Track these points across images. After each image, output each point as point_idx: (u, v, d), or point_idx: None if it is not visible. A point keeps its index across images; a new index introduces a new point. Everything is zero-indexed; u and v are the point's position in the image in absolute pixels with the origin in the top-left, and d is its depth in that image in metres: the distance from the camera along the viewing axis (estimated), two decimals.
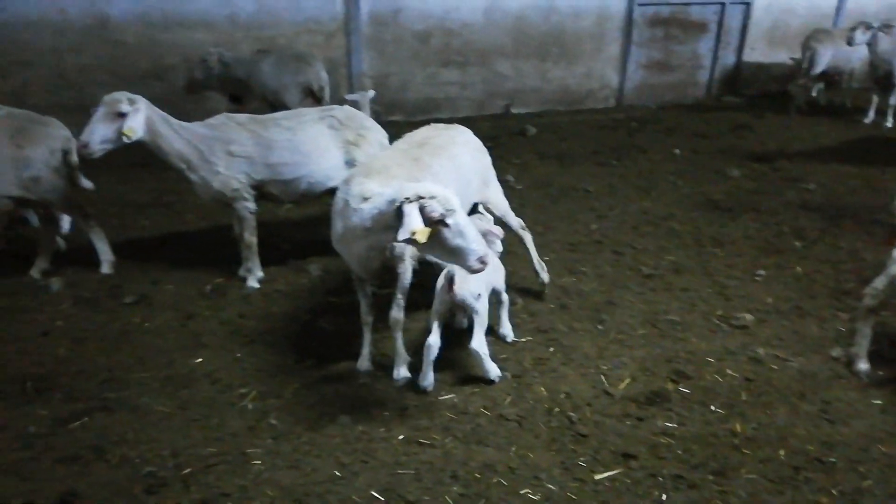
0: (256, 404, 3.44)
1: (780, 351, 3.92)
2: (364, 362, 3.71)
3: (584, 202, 6.33)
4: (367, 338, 3.71)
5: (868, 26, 8.40)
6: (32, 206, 4.78)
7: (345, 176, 3.70)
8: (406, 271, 3.48)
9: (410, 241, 2.78)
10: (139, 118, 4.10)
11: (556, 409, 3.41)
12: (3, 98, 6.80)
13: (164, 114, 4.32)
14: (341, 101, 6.27)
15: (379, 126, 4.90)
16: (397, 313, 3.55)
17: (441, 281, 3.47)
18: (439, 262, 3.41)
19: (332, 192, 4.51)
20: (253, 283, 4.63)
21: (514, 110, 9.69)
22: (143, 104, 4.16)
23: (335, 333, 4.08)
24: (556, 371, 3.74)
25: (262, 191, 4.55)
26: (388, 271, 3.50)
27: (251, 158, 4.39)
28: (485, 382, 3.57)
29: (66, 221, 5.12)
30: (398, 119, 8.99)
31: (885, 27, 8.33)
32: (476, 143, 4.18)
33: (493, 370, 3.57)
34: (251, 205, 4.51)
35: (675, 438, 3.22)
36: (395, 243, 3.20)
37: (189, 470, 2.96)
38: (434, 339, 3.42)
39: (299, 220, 5.78)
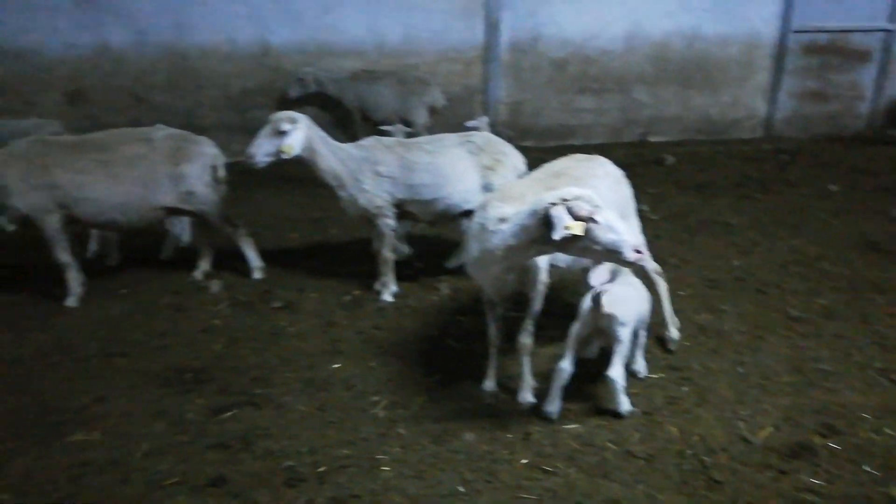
0: (387, 412, 3.59)
1: None
2: (489, 383, 3.76)
3: (725, 237, 6.03)
4: (494, 359, 3.76)
5: None
6: (188, 216, 5.30)
7: (481, 200, 3.81)
8: (539, 296, 3.51)
9: (565, 241, 2.84)
10: (298, 136, 4.46)
11: (689, 452, 3.27)
12: (177, 116, 7.71)
13: (324, 134, 4.67)
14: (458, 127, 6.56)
15: (517, 152, 4.99)
16: (526, 338, 3.57)
17: (587, 301, 3.40)
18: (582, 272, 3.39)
19: (467, 214, 4.68)
20: (387, 296, 4.85)
21: (651, 138, 9.45)
22: (303, 124, 4.51)
23: (462, 352, 4.18)
24: (689, 412, 3.59)
25: (402, 209, 4.78)
26: (519, 296, 3.55)
27: (395, 179, 4.64)
28: (613, 416, 3.49)
29: (186, 233, 5.70)
30: (531, 145, 9.03)
31: None
32: (616, 174, 4.08)
33: (625, 403, 3.47)
34: (392, 222, 4.75)
35: (821, 497, 2.98)
36: (530, 262, 3.28)
37: (324, 468, 3.15)
38: (566, 364, 3.41)
39: (433, 239, 5.99)
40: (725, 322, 4.53)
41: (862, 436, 3.37)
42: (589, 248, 2.93)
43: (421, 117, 7.95)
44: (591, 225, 2.86)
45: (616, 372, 3.36)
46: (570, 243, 2.91)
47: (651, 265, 4.14)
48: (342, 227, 6.28)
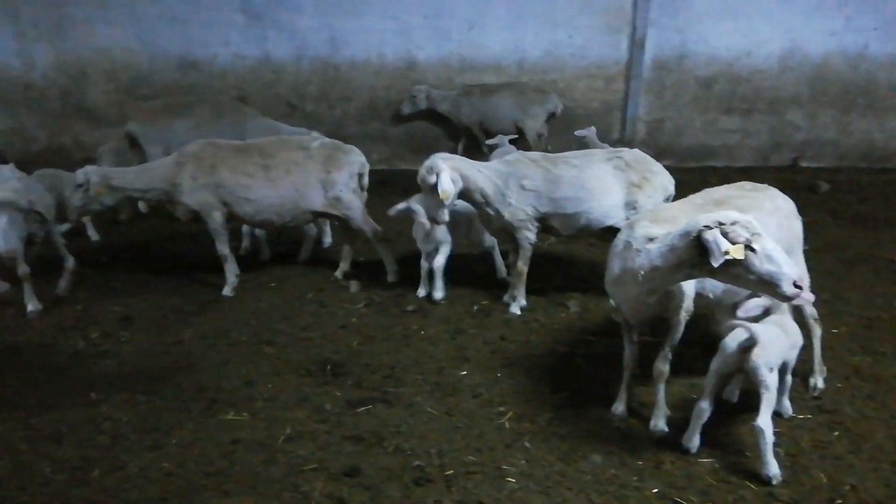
0: (513, 424, 3.62)
1: None
2: (620, 406, 3.68)
3: (887, 273, 5.51)
4: (627, 383, 3.67)
5: None
6: (332, 220, 5.62)
7: (627, 219, 3.74)
8: (680, 323, 3.39)
9: (724, 267, 2.75)
10: (444, 179, 4.41)
11: (839, 501, 3.02)
12: (328, 125, 8.23)
13: (465, 159, 4.77)
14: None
15: (666, 171, 4.86)
16: (663, 365, 3.47)
17: (733, 342, 3.16)
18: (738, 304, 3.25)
19: (608, 230, 4.62)
20: (515, 309, 4.89)
21: (803, 163, 8.82)
22: (441, 165, 4.42)
23: (590, 372, 4.12)
24: (840, 458, 3.32)
25: (544, 223, 4.81)
26: (659, 321, 3.45)
27: (539, 192, 4.67)
28: (759, 481, 3.12)
29: (327, 235, 6.08)
30: (669, 164, 8.70)
31: None
32: (788, 209, 3.79)
33: (773, 466, 3.10)
34: (532, 235, 4.79)
35: None
36: (675, 287, 3.19)
37: (451, 472, 3.23)
38: (706, 404, 3.23)
39: (563, 255, 5.95)
40: (884, 366, 4.14)
41: None
42: (742, 276, 2.80)
43: (536, 125, 8.14)
44: (748, 252, 2.73)
45: (764, 421, 3.05)
46: (721, 270, 2.78)
47: (810, 309, 3.81)
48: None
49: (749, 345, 3.07)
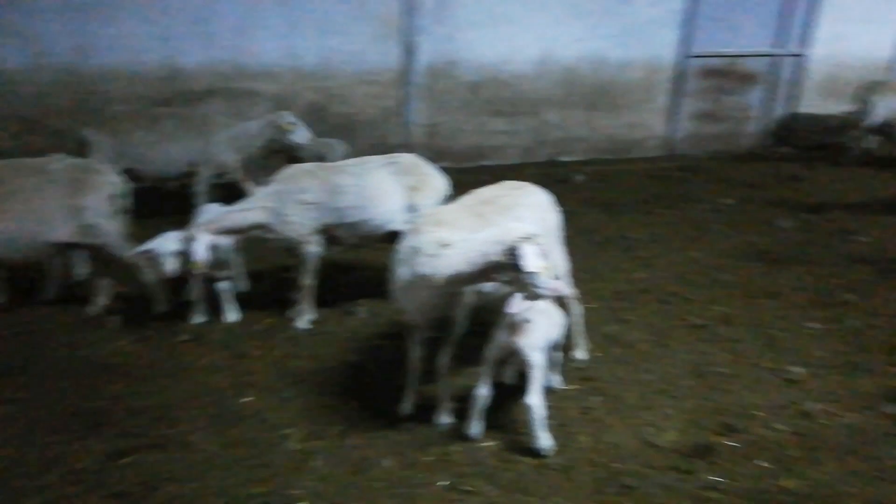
0: (301, 445, 3.52)
1: (831, 406, 3.83)
2: (407, 405, 3.77)
3: (630, 251, 6.32)
4: (413, 382, 3.78)
5: None
6: (85, 250, 4.97)
7: (412, 225, 3.81)
8: (462, 319, 3.56)
9: (528, 275, 2.91)
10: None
11: (601, 460, 3.40)
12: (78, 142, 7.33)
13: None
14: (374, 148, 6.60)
15: (440, 174, 5.06)
16: (446, 358, 3.62)
17: (502, 327, 3.42)
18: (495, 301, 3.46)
19: (391, 234, 4.69)
20: (303, 323, 4.78)
21: (561, 158, 9.81)
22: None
23: (381, 376, 4.17)
24: (601, 421, 3.73)
25: (328, 234, 4.76)
26: (444, 319, 3.57)
27: (320, 204, 4.61)
28: (531, 454, 3.40)
29: (80, 267, 5.28)
30: (447, 165, 9.13)
31: None
32: (546, 203, 4.16)
33: (545, 439, 3.40)
34: (317, 248, 4.71)
35: (721, 493, 3.17)
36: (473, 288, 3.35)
37: None
38: (483, 389, 3.44)
39: (349, 262, 5.95)
40: (632, 332, 4.74)
41: (756, 432, 3.61)
42: (518, 280, 3.00)
43: None
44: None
45: (534, 399, 3.33)
46: (524, 277, 2.95)
47: (570, 292, 4.21)
48: (252, 252, 6.13)
49: (515, 329, 3.33)
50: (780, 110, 10.46)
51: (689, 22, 9.51)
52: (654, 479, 3.26)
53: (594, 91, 9.80)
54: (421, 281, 3.26)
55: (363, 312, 4.99)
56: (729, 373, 4.20)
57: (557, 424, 3.65)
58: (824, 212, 7.29)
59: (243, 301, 5.01)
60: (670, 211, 7.44)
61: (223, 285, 4.83)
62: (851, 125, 9.29)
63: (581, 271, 5.68)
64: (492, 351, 3.44)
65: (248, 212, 4.58)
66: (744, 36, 9.97)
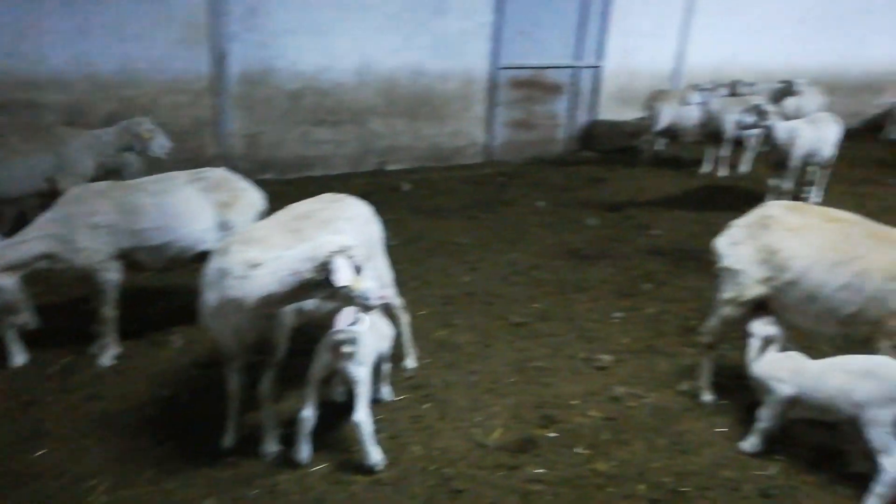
0: (107, 497, 3.16)
1: (636, 388, 4.20)
2: (229, 438, 3.54)
3: (456, 255, 6.51)
4: (234, 412, 3.55)
5: (699, 88, 9.50)
6: None
7: (219, 244, 3.56)
8: (283, 341, 3.40)
9: (343, 290, 2.81)
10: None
11: (432, 468, 3.43)
12: None
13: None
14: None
15: (254, 188, 4.81)
16: (268, 384, 3.44)
17: (324, 346, 3.32)
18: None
19: (205, 255, 4.37)
20: (106, 360, 4.31)
21: (388, 167, 9.89)
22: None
23: (199, 409, 3.88)
24: (431, 428, 3.77)
25: (129, 259, 4.31)
26: (262, 343, 3.38)
27: (115, 226, 4.16)
28: (363, 471, 3.35)
29: None
30: (271, 177, 8.89)
31: (713, 89, 9.53)
32: (365, 215, 4.06)
33: (375, 454, 3.35)
34: (115, 275, 4.25)
35: (545, 484, 3.33)
36: (287, 308, 3.19)
37: None
38: (309, 413, 3.31)
39: (159, 287, 5.49)
40: (459, 335, 4.87)
41: (573, 421, 3.86)
42: (349, 296, 2.91)
43: None
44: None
45: (361, 414, 3.27)
46: (340, 292, 2.85)
47: (396, 301, 4.24)
48: (45, 283, 5.45)
49: (336, 346, 3.25)
50: (583, 118, 11.41)
51: (498, 35, 10.05)
52: (482, 479, 3.35)
53: (415, 100, 10.00)
54: (231, 305, 3.07)
55: (177, 341, 4.62)
56: (547, 366, 4.46)
57: (389, 436, 3.64)
58: (624, 209, 8.06)
59: (33, 340, 4.40)
60: (492, 215, 7.80)
61: (4, 325, 4.20)
62: (643, 130, 10.38)
63: (410, 279, 5.79)
64: (315, 371, 3.33)
65: (27, 243, 4.02)
66: (548, 49, 10.74)
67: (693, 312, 5.23)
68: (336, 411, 3.77)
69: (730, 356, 4.45)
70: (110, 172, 6.24)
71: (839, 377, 3.21)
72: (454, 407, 3.98)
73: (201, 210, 4.46)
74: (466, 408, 3.97)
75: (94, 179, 5.77)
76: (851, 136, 11.92)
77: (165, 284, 5.50)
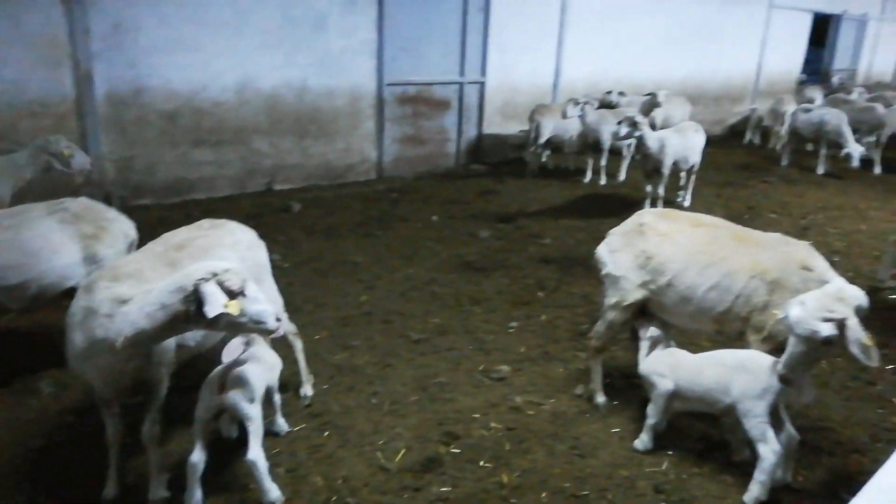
0: None
1: (534, 396, 4.29)
2: (111, 489, 3.26)
3: (352, 275, 6.41)
4: (115, 460, 3.27)
5: (576, 102, 9.97)
6: None
7: (84, 281, 3.28)
8: (163, 381, 3.17)
9: (220, 319, 2.64)
10: None
11: (334, 498, 3.32)
12: None
13: None
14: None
15: (123, 216, 4.49)
16: (153, 428, 3.20)
17: (208, 383, 3.13)
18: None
19: (72, 293, 4.02)
20: None
21: (276, 187, 9.61)
22: None
23: (77, 458, 3.56)
24: (332, 456, 3.66)
25: None
26: (140, 384, 3.14)
27: None
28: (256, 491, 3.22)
29: None
30: (149, 202, 8.40)
31: (588, 102, 10.05)
32: (248, 241, 3.86)
33: (273, 492, 3.18)
34: None
35: (449, 502, 3.31)
36: (155, 347, 2.97)
37: None
38: (198, 456, 3.09)
39: (27, 330, 5.01)
40: (358, 357, 4.78)
41: (476, 434, 3.88)
42: (235, 323, 2.75)
43: None
44: (241, 298, 2.72)
45: (254, 453, 3.09)
46: (216, 321, 2.68)
47: (289, 327, 4.09)
48: None
49: (221, 383, 3.08)
50: (472, 132, 11.66)
51: (381, 52, 10.08)
52: None
53: (302, 118, 9.81)
54: (99, 346, 2.84)
55: (48, 387, 4.22)
56: (448, 381, 4.46)
57: (287, 470, 3.50)
58: (515, 220, 8.28)
59: None
60: (386, 232, 7.76)
61: None
62: (528, 143, 10.75)
63: (305, 302, 5.64)
64: (201, 411, 3.13)
65: None
66: (433, 65, 10.89)
67: (583, 318, 5.44)
68: (229, 448, 3.59)
69: (620, 357, 4.66)
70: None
71: (715, 371, 3.44)
72: (355, 432, 3.89)
73: (63, 244, 4.11)
74: (368, 432, 3.89)
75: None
76: (715, 143, 13.02)
77: (32, 326, 5.03)
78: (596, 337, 4.16)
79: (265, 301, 2.88)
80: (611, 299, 4.05)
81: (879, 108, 12.02)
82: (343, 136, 10.27)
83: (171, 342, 3.15)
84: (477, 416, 4.07)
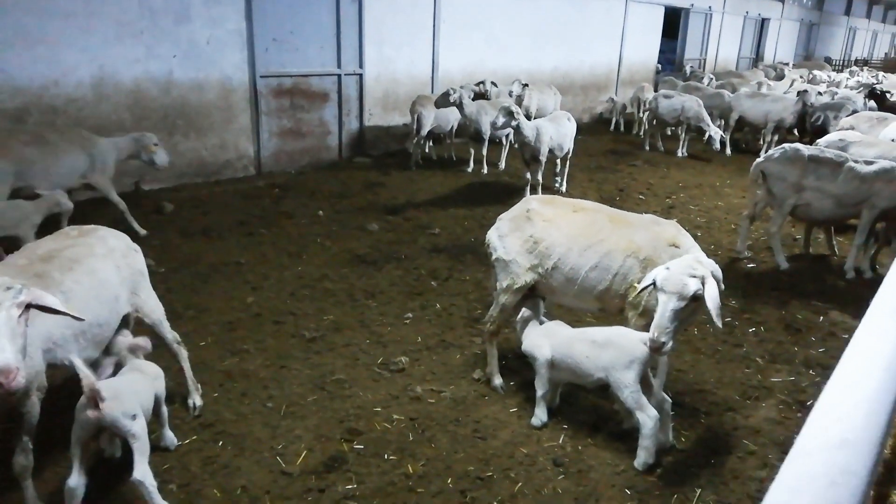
0: None
1: (433, 384, 4.32)
2: None
3: (237, 276, 6.12)
4: None
5: (453, 91, 10.08)
6: None
7: None
8: (34, 406, 2.87)
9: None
10: None
11: None
12: None
13: None
14: None
15: None
16: (25, 458, 2.89)
17: (83, 401, 2.86)
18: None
19: None
20: None
21: (145, 187, 8.97)
22: None
23: None
24: (228, 466, 3.49)
25: None
26: (7, 409, 2.82)
27: None
28: None
29: None
30: None
31: (466, 92, 10.21)
32: (123, 247, 3.58)
33: None
34: None
35: (357, 500, 3.27)
36: None
37: None
38: (76, 480, 2.83)
39: None
40: (250, 361, 4.58)
41: (378, 428, 3.85)
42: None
43: None
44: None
45: (141, 472, 2.89)
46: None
47: (170, 334, 3.84)
48: None
49: (96, 399, 2.83)
50: (353, 124, 11.49)
51: (252, 43, 9.67)
52: None
53: (169, 113, 9.22)
54: None
55: None
56: (347, 378, 4.39)
57: (179, 486, 3.30)
58: (403, 211, 8.27)
59: None
60: (271, 230, 7.48)
61: None
62: (410, 134, 10.76)
63: (186, 308, 5.33)
64: (77, 432, 2.87)
65: None
66: (309, 57, 10.60)
67: (476, 304, 5.54)
68: (115, 469, 3.32)
69: (514, 339, 4.79)
70: None
71: (584, 346, 3.65)
72: (252, 439, 3.72)
73: None
74: (266, 437, 3.74)
75: None
76: (584, 130, 13.70)
77: None
78: (490, 321, 4.25)
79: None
80: (502, 283, 4.15)
81: (727, 94, 13.19)
82: (216, 131, 9.76)
83: (39, 362, 2.86)
84: (378, 409, 4.03)
